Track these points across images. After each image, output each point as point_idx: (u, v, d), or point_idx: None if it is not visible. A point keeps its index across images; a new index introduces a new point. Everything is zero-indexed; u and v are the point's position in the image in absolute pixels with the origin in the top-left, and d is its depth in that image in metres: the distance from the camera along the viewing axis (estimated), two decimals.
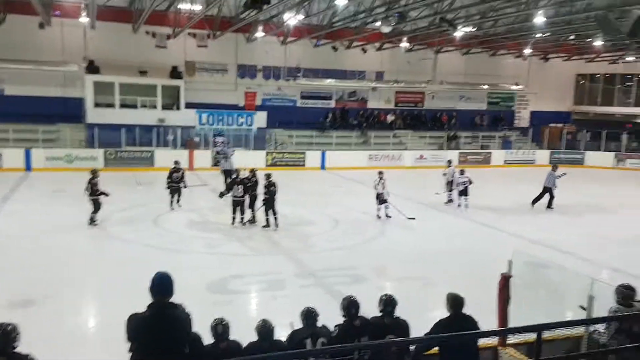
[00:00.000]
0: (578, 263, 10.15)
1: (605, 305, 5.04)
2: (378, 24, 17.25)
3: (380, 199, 14.29)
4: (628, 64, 29.95)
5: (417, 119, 30.23)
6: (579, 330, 5.09)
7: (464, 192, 15.62)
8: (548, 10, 18.42)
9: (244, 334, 4.44)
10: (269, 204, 12.80)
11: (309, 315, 4.57)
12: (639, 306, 5.06)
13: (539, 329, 3.56)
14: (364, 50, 27.35)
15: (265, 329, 4.40)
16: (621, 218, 15.77)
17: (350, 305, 4.59)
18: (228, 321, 4.39)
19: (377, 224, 13.91)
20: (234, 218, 13.11)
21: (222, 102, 26.33)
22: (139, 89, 24.49)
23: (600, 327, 5.01)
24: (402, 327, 4.58)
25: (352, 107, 29.35)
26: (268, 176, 12.96)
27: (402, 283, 9.62)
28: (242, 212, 13.10)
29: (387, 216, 14.35)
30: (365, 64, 28.46)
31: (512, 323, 5.39)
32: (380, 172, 14.45)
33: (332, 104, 29.23)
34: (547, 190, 15.97)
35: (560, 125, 32.11)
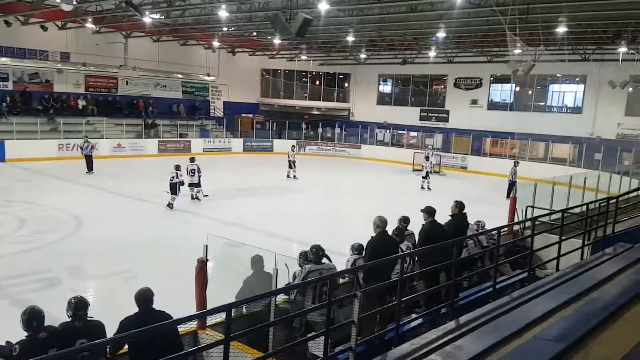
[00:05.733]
0: (267, 239, 11.38)
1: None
2: (58, 0, 15.48)
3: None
4: (302, 62, 34.59)
5: (111, 105, 28.64)
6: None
7: None
8: (230, 5, 19.32)
9: None
10: None
11: None
12: (328, 263, 6.04)
13: (227, 308, 3.72)
14: (44, 28, 24.22)
15: None
16: (303, 197, 18.42)
17: (30, 318, 4.13)
18: None
19: (72, 222, 12.83)
20: None
21: None
22: None
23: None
24: (95, 329, 4.32)
25: (35, 90, 25.85)
26: None
27: (102, 280, 9.28)
28: None
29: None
30: (48, 42, 25.32)
31: (212, 305, 5.63)
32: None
33: (9, 85, 25.20)
34: (513, 183, 17.65)
35: (250, 115, 35.17)
